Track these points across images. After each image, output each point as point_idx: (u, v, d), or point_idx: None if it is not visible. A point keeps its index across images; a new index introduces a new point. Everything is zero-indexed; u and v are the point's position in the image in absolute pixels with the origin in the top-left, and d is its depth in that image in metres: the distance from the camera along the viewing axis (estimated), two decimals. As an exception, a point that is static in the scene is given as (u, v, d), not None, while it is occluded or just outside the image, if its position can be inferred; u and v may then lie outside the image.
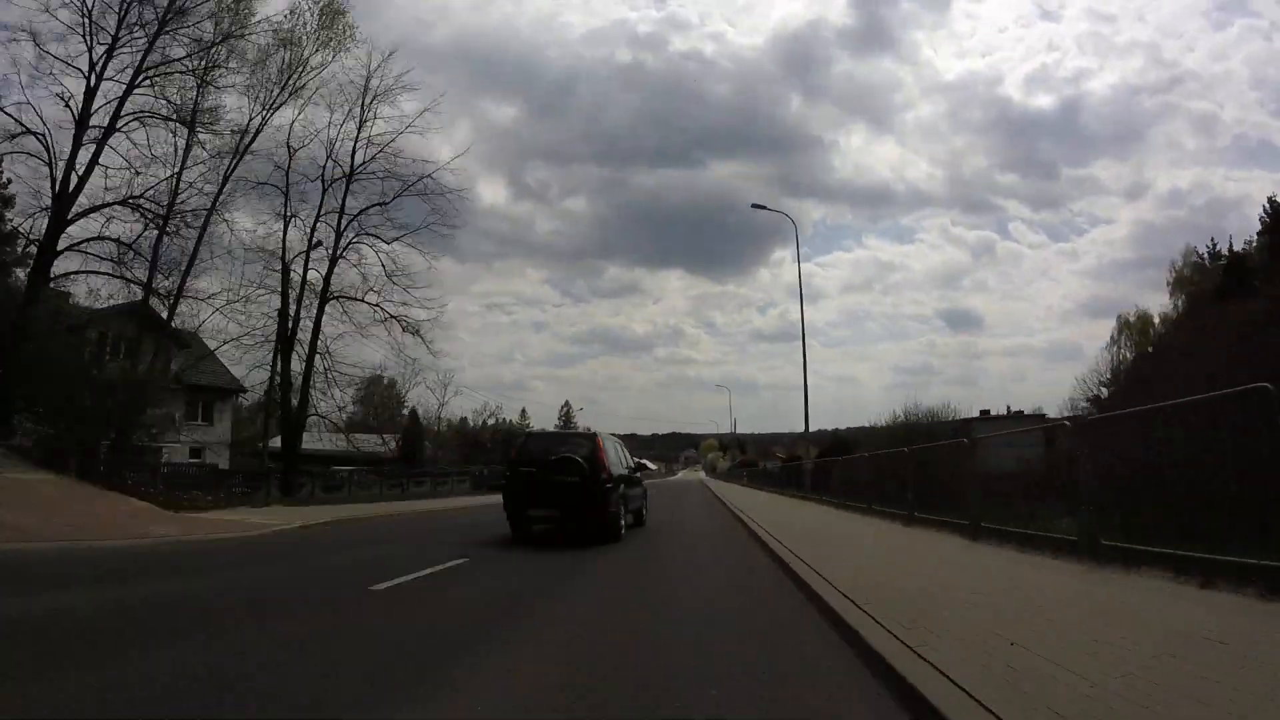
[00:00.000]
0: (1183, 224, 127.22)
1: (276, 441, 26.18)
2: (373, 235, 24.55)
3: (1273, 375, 4.57)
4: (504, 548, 9.14)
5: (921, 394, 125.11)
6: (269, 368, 23.67)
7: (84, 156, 19.48)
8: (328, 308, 24.07)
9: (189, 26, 20.77)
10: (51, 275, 19.50)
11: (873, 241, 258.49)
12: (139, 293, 20.62)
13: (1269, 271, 24.92)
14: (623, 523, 10.24)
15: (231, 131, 22.05)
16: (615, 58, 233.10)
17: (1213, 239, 37.20)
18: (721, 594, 6.03)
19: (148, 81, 20.44)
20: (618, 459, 10.64)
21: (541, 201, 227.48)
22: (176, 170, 20.81)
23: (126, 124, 20.31)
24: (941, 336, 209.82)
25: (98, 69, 19.81)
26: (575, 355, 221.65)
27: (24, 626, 4.43)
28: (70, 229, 19.55)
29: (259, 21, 22.15)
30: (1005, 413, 42.63)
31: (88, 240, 19.63)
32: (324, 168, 24.38)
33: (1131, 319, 38.91)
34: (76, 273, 20.07)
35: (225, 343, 22.95)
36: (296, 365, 23.75)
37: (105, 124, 19.84)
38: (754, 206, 27.07)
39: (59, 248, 19.39)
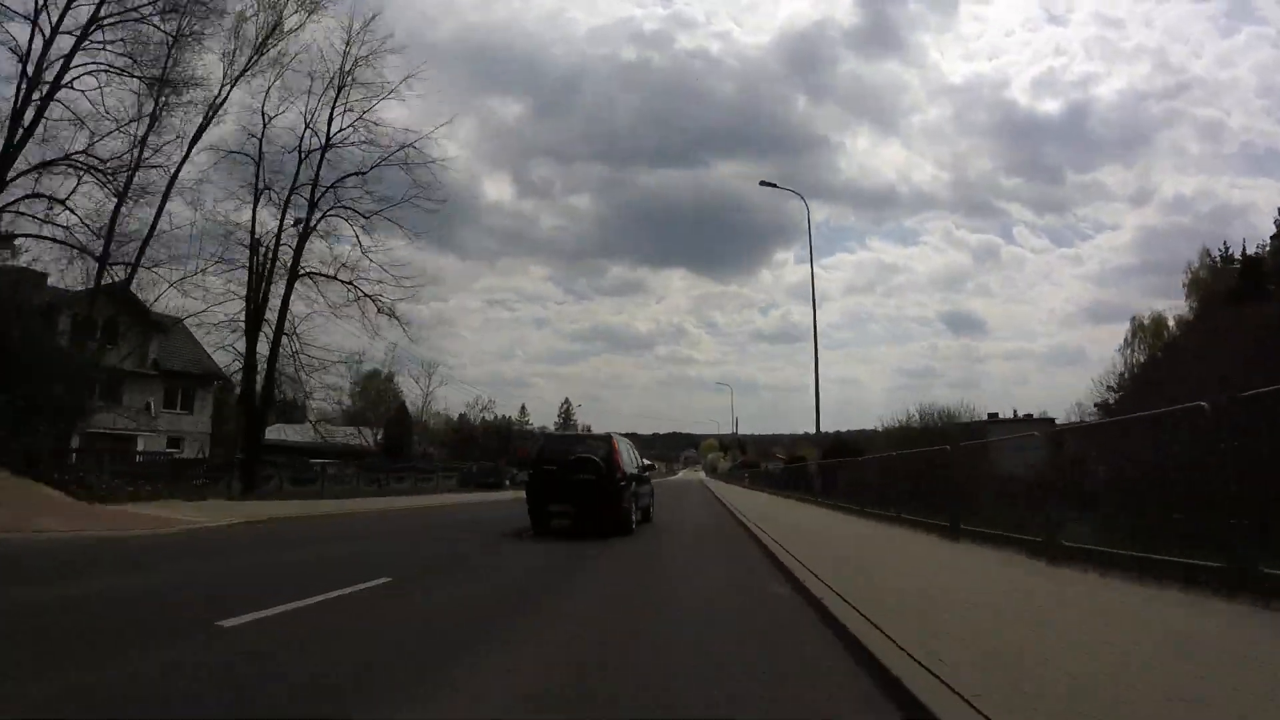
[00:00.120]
0: (1188, 230, 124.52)
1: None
2: (349, 209, 22.61)
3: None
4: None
5: (923, 396, 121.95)
6: (233, 350, 21.79)
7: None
8: (299, 285, 22.15)
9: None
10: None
11: (876, 243, 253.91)
12: (93, 265, 18.85)
13: (1285, 275, 24.52)
14: (634, 518, 10.78)
15: (199, 91, 20.19)
16: (621, 55, 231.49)
17: (1225, 243, 36.09)
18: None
19: (101, 31, 18.61)
20: (630, 459, 11.24)
21: (545, 198, 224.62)
22: (139, 135, 19.09)
23: (78, 77, 18.50)
24: (943, 339, 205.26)
25: (48, 11, 17.97)
26: (577, 353, 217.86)
27: None
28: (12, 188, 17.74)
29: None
30: (1013, 416, 40.90)
31: (23, 199, 17.72)
32: (301, 136, 22.46)
33: (1145, 321, 37.56)
34: (17, 235, 18.23)
35: (185, 317, 21.14)
36: (264, 349, 21.85)
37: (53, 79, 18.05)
38: (762, 184, 25.37)
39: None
